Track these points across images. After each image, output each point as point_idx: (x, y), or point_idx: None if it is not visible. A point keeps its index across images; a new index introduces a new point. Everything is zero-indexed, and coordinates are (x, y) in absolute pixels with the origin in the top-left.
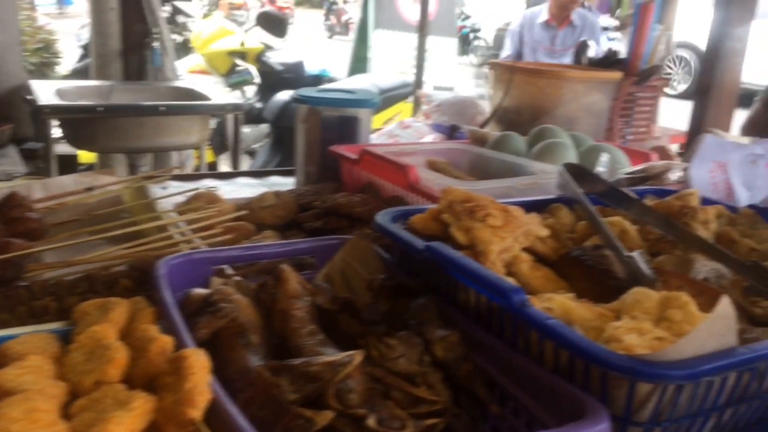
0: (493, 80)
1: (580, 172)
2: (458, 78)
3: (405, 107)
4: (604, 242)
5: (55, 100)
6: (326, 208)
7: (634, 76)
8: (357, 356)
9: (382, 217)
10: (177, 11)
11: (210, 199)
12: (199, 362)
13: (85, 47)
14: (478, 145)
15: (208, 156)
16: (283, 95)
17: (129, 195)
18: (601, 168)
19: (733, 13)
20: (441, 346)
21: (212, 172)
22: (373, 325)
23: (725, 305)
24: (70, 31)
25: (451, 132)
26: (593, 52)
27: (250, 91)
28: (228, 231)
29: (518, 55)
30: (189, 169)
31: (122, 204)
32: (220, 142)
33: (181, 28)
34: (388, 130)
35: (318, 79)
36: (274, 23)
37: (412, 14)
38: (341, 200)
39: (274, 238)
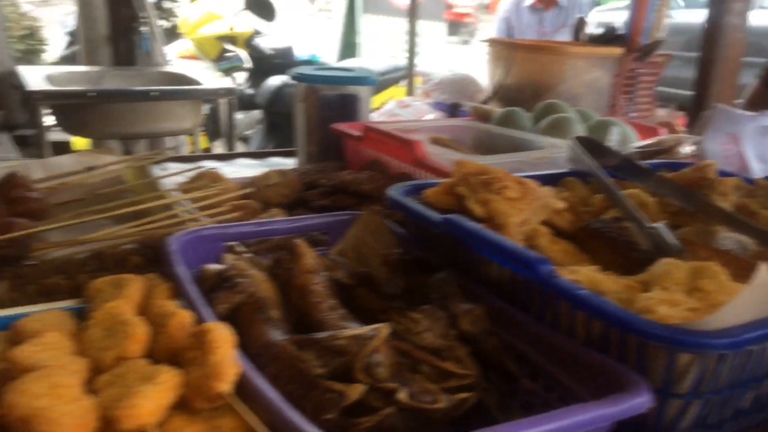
0: (492, 58)
1: (591, 146)
2: (450, 60)
3: (398, 91)
4: (624, 214)
5: (44, 86)
6: (333, 186)
7: (635, 52)
8: (383, 329)
9: (395, 192)
10: None
11: (214, 177)
12: (223, 336)
13: (72, 34)
14: (482, 121)
15: (202, 142)
16: (275, 80)
17: (131, 174)
18: (611, 142)
19: None
20: (467, 319)
21: (210, 154)
22: (392, 300)
23: (764, 273)
24: (54, 19)
25: (452, 110)
26: (591, 28)
27: (241, 76)
28: (234, 209)
29: None
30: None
31: (124, 183)
32: (213, 129)
33: (168, 14)
34: (388, 110)
35: (308, 65)
36: (263, 7)
37: None
38: (348, 178)
39: (282, 216)
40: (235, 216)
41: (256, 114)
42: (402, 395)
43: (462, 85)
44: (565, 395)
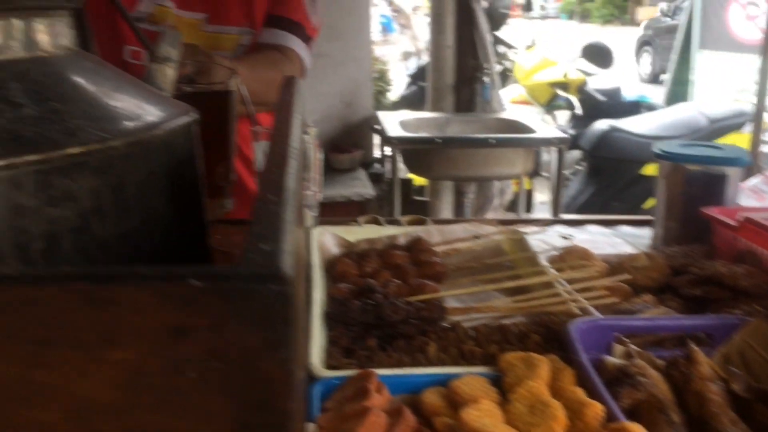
0: None
1: None
2: None
3: (739, 139)
4: None
5: (400, 131)
6: (705, 276)
7: None
8: None
9: None
10: (498, 41)
11: (582, 255)
12: None
13: (412, 76)
14: None
15: (526, 183)
16: (602, 124)
17: (508, 244)
18: None
19: None
20: None
21: (562, 218)
22: None
23: None
24: (392, 59)
25: None
26: None
27: (562, 116)
28: (610, 292)
29: None
30: (508, 196)
31: (503, 253)
32: (533, 169)
33: (501, 58)
34: (753, 185)
35: (636, 106)
36: (600, 55)
37: (745, 32)
38: (722, 270)
39: (653, 302)
40: (614, 301)
41: (575, 155)
42: None
43: None
44: None
